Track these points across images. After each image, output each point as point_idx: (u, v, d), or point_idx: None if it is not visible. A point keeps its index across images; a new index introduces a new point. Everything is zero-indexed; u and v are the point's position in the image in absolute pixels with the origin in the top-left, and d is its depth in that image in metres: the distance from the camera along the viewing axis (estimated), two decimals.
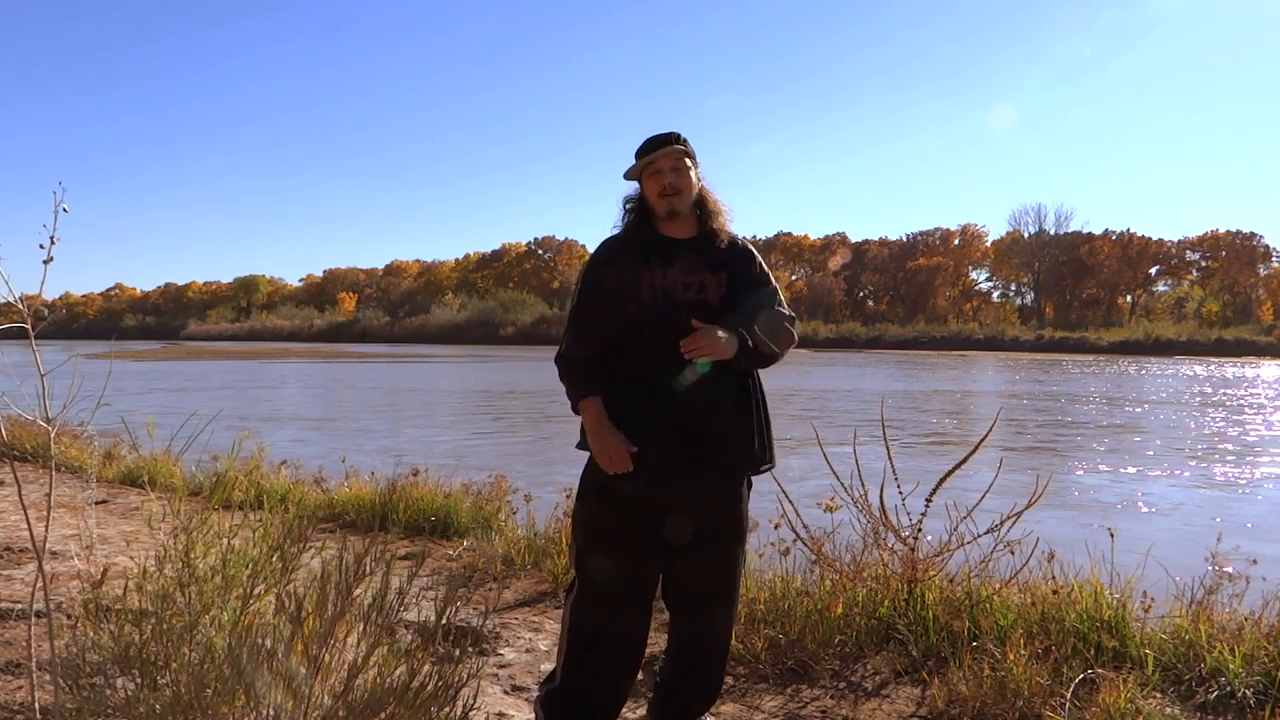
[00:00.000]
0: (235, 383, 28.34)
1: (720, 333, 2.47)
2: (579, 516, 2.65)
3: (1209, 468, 11.35)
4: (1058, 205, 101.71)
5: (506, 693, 3.14)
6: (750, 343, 2.52)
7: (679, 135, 2.63)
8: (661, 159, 2.59)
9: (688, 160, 2.63)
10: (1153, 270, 77.51)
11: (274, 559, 1.91)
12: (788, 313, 2.70)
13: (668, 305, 2.52)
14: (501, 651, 3.51)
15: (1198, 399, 22.43)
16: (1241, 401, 21.74)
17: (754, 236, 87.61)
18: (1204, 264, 75.19)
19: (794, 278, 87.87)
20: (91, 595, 1.91)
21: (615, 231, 2.70)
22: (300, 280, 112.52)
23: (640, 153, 2.64)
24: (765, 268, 2.72)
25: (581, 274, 2.69)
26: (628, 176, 2.68)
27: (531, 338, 69.87)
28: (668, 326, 2.49)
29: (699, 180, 2.66)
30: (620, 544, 2.54)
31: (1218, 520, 8.04)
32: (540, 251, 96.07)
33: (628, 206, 2.69)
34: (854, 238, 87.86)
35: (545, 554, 4.61)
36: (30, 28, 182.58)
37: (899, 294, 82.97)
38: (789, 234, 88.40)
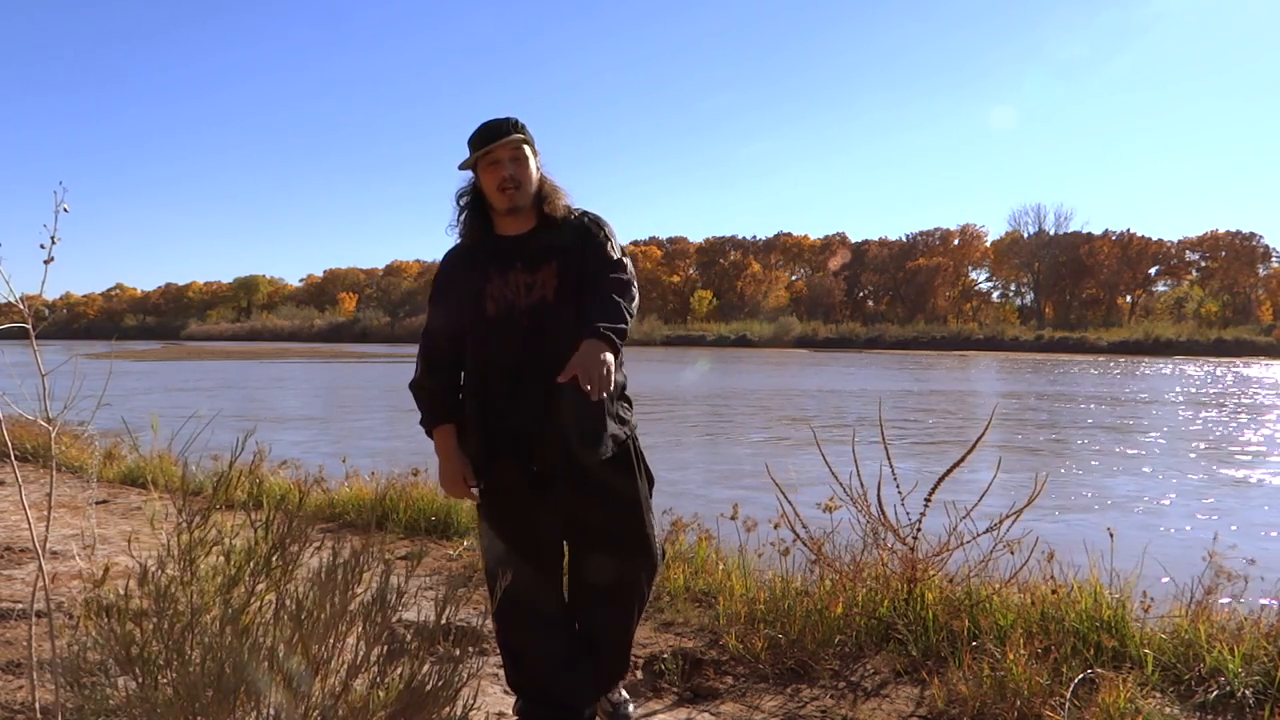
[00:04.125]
0: (235, 383, 28.34)
1: (597, 354, 2.20)
2: (483, 540, 2.67)
3: (1208, 468, 11.36)
4: (1057, 205, 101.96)
5: (506, 692, 3.14)
6: (618, 339, 2.28)
7: (517, 121, 2.47)
8: (500, 149, 2.43)
9: (527, 149, 2.48)
10: (1152, 270, 77.50)
11: (275, 558, 1.91)
12: (626, 277, 2.47)
13: (511, 315, 2.46)
14: None
15: (1197, 399, 22.43)
16: (1241, 401, 21.74)
17: (754, 237, 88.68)
18: (1204, 264, 75.16)
19: (794, 278, 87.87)
20: (92, 594, 1.91)
21: (451, 231, 2.60)
22: (300, 280, 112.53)
23: (474, 142, 2.46)
24: (607, 235, 2.53)
25: (429, 296, 2.64)
26: (462, 168, 2.51)
27: None
28: (511, 336, 2.45)
29: (539, 169, 2.53)
30: (517, 541, 2.54)
31: (1217, 520, 8.04)
32: None
33: (462, 203, 2.55)
34: (854, 238, 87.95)
35: None
36: (30, 27, 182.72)
37: (899, 294, 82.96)
38: (789, 234, 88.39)
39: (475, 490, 2.59)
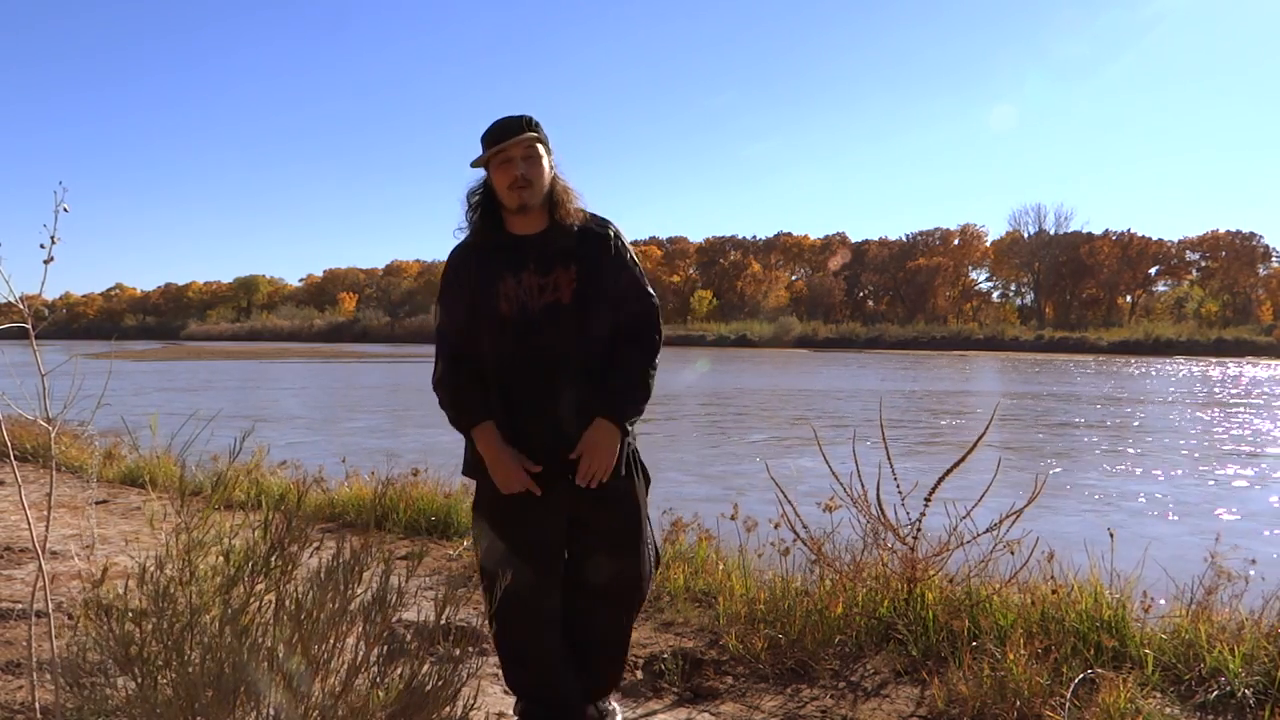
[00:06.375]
0: (235, 382, 28.34)
1: (608, 448, 2.43)
2: (480, 541, 2.59)
3: (1209, 468, 11.35)
4: (1058, 205, 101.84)
5: (506, 692, 3.14)
6: (630, 427, 2.51)
7: (531, 119, 2.44)
8: (513, 147, 2.41)
9: (540, 147, 2.45)
10: (1153, 270, 77.46)
11: (275, 558, 1.91)
12: (654, 305, 2.56)
13: (524, 315, 2.46)
14: None
15: (1198, 399, 22.43)
16: (1241, 401, 21.74)
17: (754, 237, 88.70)
18: (1204, 264, 75.14)
19: (794, 278, 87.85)
20: (92, 595, 1.91)
21: (461, 232, 2.57)
22: (300, 280, 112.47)
23: (487, 139, 2.43)
24: (622, 246, 2.55)
25: (438, 293, 2.59)
26: (475, 165, 2.48)
27: None
28: (525, 335, 2.45)
29: (551, 168, 2.50)
30: (521, 540, 2.50)
31: (1218, 520, 8.04)
32: None
33: (473, 201, 2.52)
34: (854, 238, 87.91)
35: None
36: (30, 27, 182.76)
37: (899, 294, 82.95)
38: (789, 234, 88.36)
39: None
